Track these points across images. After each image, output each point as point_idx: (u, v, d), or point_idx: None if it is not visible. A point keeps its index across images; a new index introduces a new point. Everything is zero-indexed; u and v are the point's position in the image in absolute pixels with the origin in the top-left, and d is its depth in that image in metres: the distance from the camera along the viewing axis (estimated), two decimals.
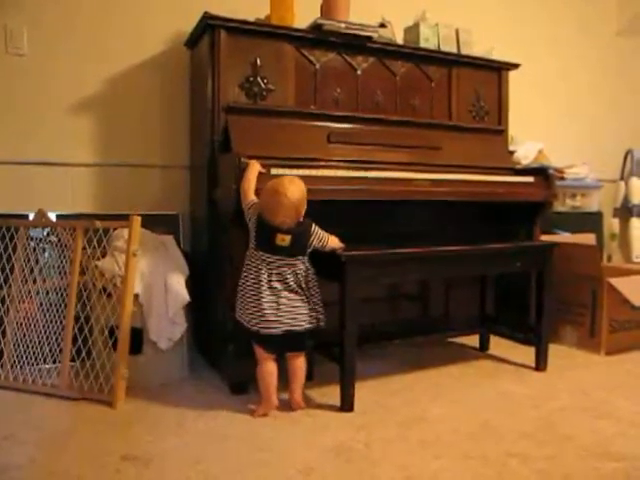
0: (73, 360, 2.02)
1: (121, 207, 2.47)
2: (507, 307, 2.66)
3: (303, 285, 1.81)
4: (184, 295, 2.08)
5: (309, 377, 2.13)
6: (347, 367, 1.85)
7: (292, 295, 1.78)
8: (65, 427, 1.75)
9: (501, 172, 2.56)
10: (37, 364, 2.09)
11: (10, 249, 2.16)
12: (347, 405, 1.86)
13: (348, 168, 2.19)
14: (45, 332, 2.10)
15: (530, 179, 2.52)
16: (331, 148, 2.30)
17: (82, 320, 2.03)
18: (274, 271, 1.77)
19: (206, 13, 2.13)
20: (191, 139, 2.56)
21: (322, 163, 2.19)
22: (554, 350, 2.44)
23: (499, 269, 2.28)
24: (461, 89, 2.67)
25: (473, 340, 2.62)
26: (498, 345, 2.56)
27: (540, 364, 2.27)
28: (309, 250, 1.82)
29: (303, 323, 1.79)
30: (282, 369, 1.88)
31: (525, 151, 2.83)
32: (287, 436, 1.70)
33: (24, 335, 2.11)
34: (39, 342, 2.09)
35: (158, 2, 2.55)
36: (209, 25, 2.15)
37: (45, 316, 2.12)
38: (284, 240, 1.77)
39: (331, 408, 1.89)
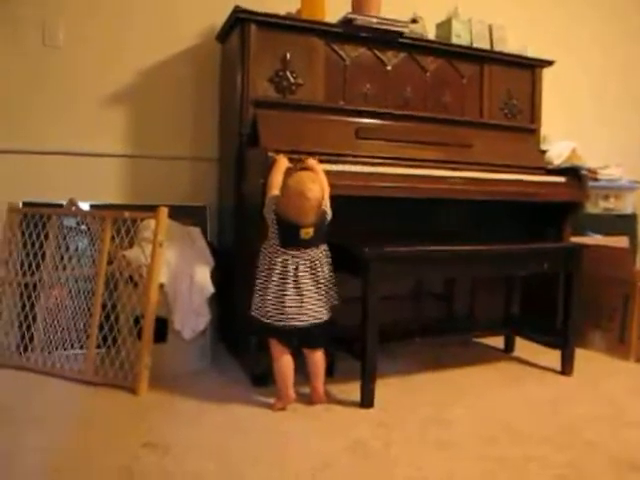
0: (99, 347, 2.06)
1: (150, 198, 2.51)
2: (534, 309, 2.61)
3: (325, 269, 1.82)
4: (209, 287, 2.10)
5: (330, 373, 2.13)
6: (368, 364, 1.85)
7: (314, 286, 1.79)
8: (88, 412, 1.79)
9: (532, 171, 2.52)
10: (65, 349, 2.15)
11: (42, 237, 2.22)
12: (367, 402, 1.86)
13: (376, 164, 2.19)
14: (74, 319, 2.16)
15: (562, 179, 2.47)
16: (359, 144, 2.29)
17: (109, 308, 2.07)
18: (300, 262, 1.78)
19: (237, 7, 2.14)
20: (220, 132, 2.59)
21: (350, 159, 2.18)
22: (582, 355, 2.39)
23: (526, 270, 2.23)
24: (493, 86, 2.63)
25: (498, 341, 2.58)
26: (524, 347, 2.51)
27: (566, 368, 2.23)
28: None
29: (321, 315, 1.80)
30: (301, 362, 1.89)
31: (557, 150, 2.76)
32: (305, 430, 1.71)
33: (54, 321, 2.17)
34: (68, 328, 2.15)
35: None
36: (239, 19, 2.16)
37: (74, 303, 2.17)
38: (308, 233, 1.78)
39: (351, 404, 1.89)
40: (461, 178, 2.20)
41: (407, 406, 1.89)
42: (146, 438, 1.61)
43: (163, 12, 2.54)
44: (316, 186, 1.77)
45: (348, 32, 2.30)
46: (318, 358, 1.87)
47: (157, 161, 2.58)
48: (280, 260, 1.78)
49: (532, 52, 2.74)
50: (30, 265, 2.23)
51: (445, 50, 2.51)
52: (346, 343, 2.02)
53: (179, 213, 2.49)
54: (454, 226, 2.43)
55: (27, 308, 2.21)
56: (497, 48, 2.64)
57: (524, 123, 2.69)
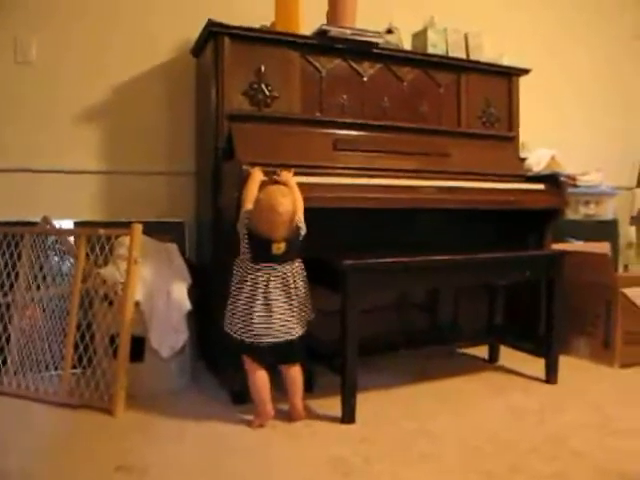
0: (75, 368, 2.01)
1: (127, 215, 2.46)
2: (518, 317, 2.60)
3: (298, 285, 1.79)
4: (186, 303, 2.06)
5: (309, 388, 2.10)
6: (348, 379, 1.82)
7: (286, 303, 1.76)
8: (62, 435, 1.74)
9: (511, 179, 2.51)
10: (40, 371, 2.09)
11: (15, 256, 2.17)
12: (348, 417, 1.82)
13: (354, 175, 2.17)
14: (48, 339, 2.10)
15: (541, 186, 2.47)
16: (337, 155, 2.27)
17: (84, 328, 2.03)
18: (272, 278, 1.75)
19: (210, 20, 2.13)
20: (197, 146, 2.56)
21: (328, 170, 2.16)
22: (566, 362, 2.37)
23: (507, 278, 2.23)
24: (470, 95, 2.63)
25: (483, 351, 2.56)
26: (508, 356, 2.49)
27: (550, 377, 2.21)
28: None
29: (294, 332, 1.77)
30: (279, 378, 1.85)
31: (537, 158, 2.77)
32: (284, 448, 1.67)
33: (28, 342, 2.11)
34: (42, 349, 2.09)
35: (165, 10, 2.56)
36: (213, 32, 2.15)
37: (49, 323, 2.12)
38: (280, 248, 1.75)
39: (332, 420, 1.85)
40: (436, 187, 2.19)
41: (390, 420, 1.86)
42: (121, 461, 1.56)
43: (137, 27, 2.52)
44: (287, 200, 1.75)
45: (323, 44, 2.29)
46: (295, 374, 1.83)
47: (133, 177, 2.54)
48: (251, 276, 1.75)
49: (512, 59, 2.76)
50: (3, 285, 2.18)
51: (421, 60, 2.51)
52: (326, 358, 1.98)
53: (156, 229, 2.46)
54: (435, 236, 2.41)
55: (0, 330, 2.15)
56: (473, 57, 2.65)
57: (502, 131, 2.69)
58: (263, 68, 2.22)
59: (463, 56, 2.63)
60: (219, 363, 2.16)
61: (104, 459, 1.57)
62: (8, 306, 2.16)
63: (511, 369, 2.39)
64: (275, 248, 1.75)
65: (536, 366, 2.27)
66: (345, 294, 1.79)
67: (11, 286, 2.16)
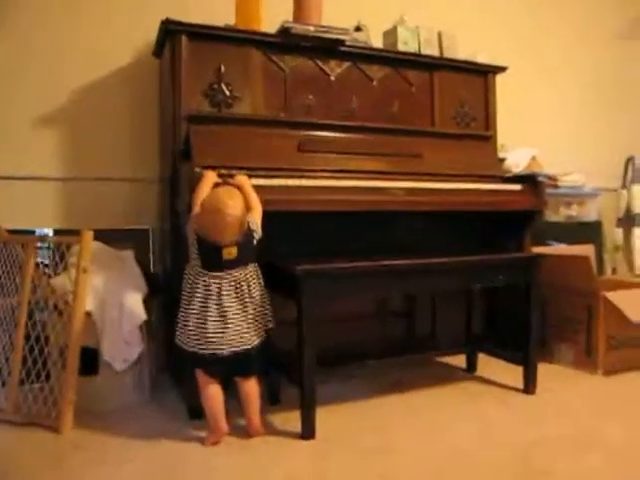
0: (23, 383, 1.91)
1: (90, 222, 2.35)
2: (497, 324, 2.49)
3: (253, 291, 1.69)
4: (140, 314, 1.96)
5: (275, 401, 2.01)
6: (306, 391, 1.71)
7: (240, 311, 1.66)
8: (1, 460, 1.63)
9: (488, 180, 2.41)
10: None
11: None
12: (308, 432, 1.71)
13: (319, 178, 2.08)
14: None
15: (517, 187, 2.37)
16: (302, 157, 2.18)
17: (32, 340, 1.92)
18: (224, 286, 1.65)
19: (167, 19, 2.05)
20: (160, 151, 2.47)
21: (292, 173, 2.07)
22: (547, 370, 2.27)
23: (479, 282, 2.12)
24: (444, 94, 2.53)
25: (462, 360, 2.44)
26: (488, 365, 2.37)
27: (528, 386, 2.10)
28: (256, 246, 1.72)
29: (250, 341, 1.66)
30: (235, 390, 1.75)
31: (516, 158, 2.67)
32: (237, 466, 1.57)
33: None
34: None
35: (126, 12, 2.48)
36: (169, 31, 2.07)
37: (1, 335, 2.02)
38: (231, 253, 1.66)
39: (292, 435, 1.74)
40: (403, 189, 2.09)
41: (351, 435, 1.75)
42: None
43: (97, 31, 2.43)
44: (235, 202, 1.65)
45: (285, 41, 2.20)
46: (250, 387, 1.73)
47: (96, 183, 2.45)
48: (202, 283, 1.65)
49: (486, 58, 2.66)
50: None
51: (391, 58, 2.42)
52: (286, 369, 1.88)
53: (121, 237, 2.38)
54: (409, 241, 2.31)
55: None
56: (447, 55, 2.56)
57: (478, 131, 2.59)
58: (223, 68, 2.13)
59: (436, 54, 2.54)
60: (178, 376, 2.06)
61: None
62: None
63: (489, 379, 2.28)
64: (226, 253, 1.65)
65: (516, 375, 2.16)
66: (300, 302, 1.69)
67: None
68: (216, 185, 1.77)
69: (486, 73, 2.61)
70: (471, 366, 2.39)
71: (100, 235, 2.26)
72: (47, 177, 2.38)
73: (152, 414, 1.95)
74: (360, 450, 1.64)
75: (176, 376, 2.17)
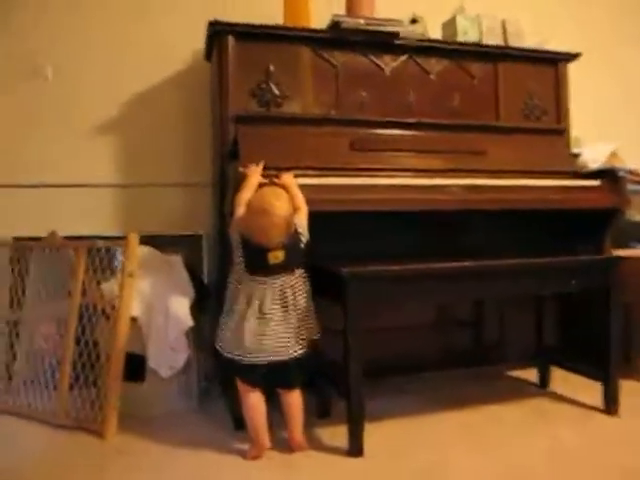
0: (72, 388, 1.91)
1: (144, 228, 2.37)
2: (573, 335, 2.25)
3: (299, 299, 1.59)
4: (187, 320, 1.91)
5: (324, 414, 1.89)
6: (354, 405, 1.58)
7: (283, 318, 1.56)
8: (43, 458, 1.63)
9: (559, 176, 2.19)
10: (47, 387, 2.00)
11: (24, 271, 2.12)
12: (355, 449, 1.58)
13: (373, 176, 1.96)
14: (55, 356, 2.02)
15: (595, 183, 2.14)
16: (355, 156, 2.07)
17: (82, 344, 1.92)
18: (269, 292, 1.56)
19: (214, 20, 2.02)
20: (212, 155, 2.45)
21: (342, 172, 1.97)
22: (632, 388, 2.01)
23: (548, 288, 1.91)
24: (510, 86, 2.34)
25: (534, 374, 2.22)
26: (563, 381, 2.14)
27: (609, 406, 1.86)
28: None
29: (291, 351, 1.56)
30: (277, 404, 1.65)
31: (593, 153, 2.42)
32: None
33: (34, 359, 2.04)
34: (51, 365, 2.01)
35: (180, 18, 2.48)
36: (217, 32, 2.03)
37: (55, 340, 2.04)
38: (277, 257, 1.56)
39: (338, 451, 1.62)
40: (462, 186, 1.93)
41: (403, 455, 1.60)
42: None
43: (151, 38, 2.45)
44: (282, 203, 1.56)
45: (336, 37, 2.11)
46: (292, 399, 1.62)
47: (150, 189, 2.46)
48: (246, 288, 1.57)
49: (556, 46, 2.44)
50: (19, 301, 2.14)
51: (450, 49, 2.26)
52: (334, 381, 1.76)
53: (174, 243, 2.38)
54: (467, 244, 2.14)
55: (15, 346, 2.11)
56: (512, 44, 2.37)
57: (549, 124, 2.37)
58: (272, 67, 2.07)
59: (500, 44, 2.36)
60: (224, 384, 2.00)
61: None
62: (15, 323, 2.12)
63: (563, 396, 2.05)
64: (272, 257, 1.56)
65: (594, 393, 1.92)
66: (346, 307, 1.57)
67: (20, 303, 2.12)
68: (261, 185, 1.70)
69: (556, 62, 2.40)
70: (543, 381, 2.16)
71: (153, 241, 2.27)
72: (102, 184, 2.42)
73: (198, 422, 1.89)
74: (410, 472, 1.50)
75: (222, 384, 2.11)
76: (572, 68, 2.43)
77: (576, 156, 2.42)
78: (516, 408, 1.96)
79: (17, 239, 2.25)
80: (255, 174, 1.73)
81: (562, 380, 2.14)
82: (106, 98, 2.43)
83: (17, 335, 2.09)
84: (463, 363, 2.21)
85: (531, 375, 2.24)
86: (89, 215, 2.40)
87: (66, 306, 2.01)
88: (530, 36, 2.44)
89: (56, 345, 2.02)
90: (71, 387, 1.91)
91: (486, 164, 2.16)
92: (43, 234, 2.17)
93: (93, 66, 2.41)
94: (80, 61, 2.40)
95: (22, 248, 2.16)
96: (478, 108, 2.32)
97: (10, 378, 2.07)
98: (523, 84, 2.36)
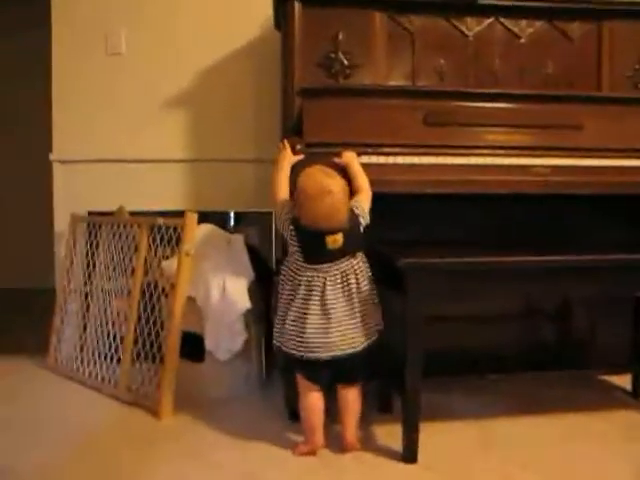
0: (133, 362, 1.93)
1: (214, 204, 2.36)
2: None
3: (362, 285, 1.47)
4: (244, 302, 1.85)
5: (385, 409, 1.77)
6: (409, 406, 1.45)
7: (347, 309, 1.44)
8: (95, 433, 1.65)
9: None
10: (111, 361, 2.04)
11: (94, 246, 2.17)
12: (409, 455, 1.46)
13: (448, 155, 1.78)
14: (122, 331, 2.05)
15: None
16: (428, 131, 1.88)
17: (143, 321, 1.93)
18: (329, 279, 1.44)
19: None
20: (281, 130, 2.35)
21: (414, 150, 1.80)
22: None
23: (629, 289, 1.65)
24: (617, 50, 2.02)
25: (627, 381, 1.96)
26: None
27: None
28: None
29: (357, 343, 1.45)
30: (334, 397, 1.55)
31: None
32: None
33: (103, 331, 2.08)
34: (120, 339, 2.05)
35: None
36: None
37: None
38: (336, 241, 1.44)
39: (391, 454, 1.50)
40: (550, 167, 1.69)
41: (461, 465, 1.45)
42: (135, 473, 1.41)
43: (219, 9, 2.39)
44: (335, 180, 1.44)
45: None
46: (351, 395, 1.51)
47: (220, 164, 2.43)
48: (303, 278, 1.46)
49: None
50: (90, 275, 2.19)
51: (545, 8, 1.98)
52: (395, 377, 1.63)
53: (244, 220, 2.35)
54: (552, 233, 1.90)
55: (86, 318, 2.17)
56: None
57: None
58: (341, 35, 1.92)
59: None
60: (282, 374, 1.93)
61: (120, 467, 1.43)
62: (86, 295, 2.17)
63: None
64: (330, 241, 1.44)
65: None
66: (404, 298, 1.43)
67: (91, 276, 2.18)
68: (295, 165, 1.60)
69: None
70: (638, 390, 1.90)
71: (221, 218, 2.24)
72: (171, 159, 2.41)
73: (253, 409, 1.83)
74: None
75: (282, 372, 2.04)
76: None
77: None
78: (603, 419, 1.73)
79: (91, 213, 2.31)
80: (287, 152, 1.63)
81: None
82: (177, 71, 2.41)
83: (87, 308, 2.15)
84: (547, 364, 1.99)
85: (622, 381, 1.98)
86: (160, 190, 2.41)
87: (125, 283, 2.04)
88: None
89: (120, 319, 2.05)
90: (133, 363, 1.92)
91: (582, 141, 1.88)
92: (111, 208, 2.21)
93: (164, 40, 2.39)
94: (152, 35, 2.39)
95: (94, 223, 2.20)
96: (576, 76, 2.03)
97: (82, 349, 2.13)
98: (633, 46, 2.03)
